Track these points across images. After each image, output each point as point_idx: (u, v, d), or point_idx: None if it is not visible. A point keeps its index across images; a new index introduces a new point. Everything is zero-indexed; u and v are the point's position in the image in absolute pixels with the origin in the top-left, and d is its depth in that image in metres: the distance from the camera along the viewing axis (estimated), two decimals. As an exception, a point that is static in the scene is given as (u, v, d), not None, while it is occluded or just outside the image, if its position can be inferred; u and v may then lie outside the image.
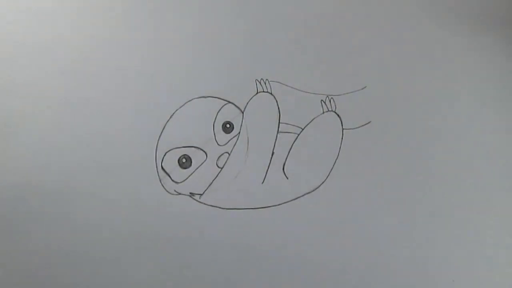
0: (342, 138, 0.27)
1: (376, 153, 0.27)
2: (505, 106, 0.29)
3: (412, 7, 0.27)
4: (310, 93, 0.27)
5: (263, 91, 0.26)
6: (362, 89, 0.28)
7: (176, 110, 0.25)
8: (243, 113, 0.26)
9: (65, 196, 0.24)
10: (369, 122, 0.27)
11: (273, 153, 0.26)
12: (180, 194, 0.25)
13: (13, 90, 0.24)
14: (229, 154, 0.25)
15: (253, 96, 0.26)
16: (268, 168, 0.26)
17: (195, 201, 0.25)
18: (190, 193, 0.25)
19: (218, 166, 0.25)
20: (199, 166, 0.25)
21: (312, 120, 0.27)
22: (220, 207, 0.25)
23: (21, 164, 0.24)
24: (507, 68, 0.30)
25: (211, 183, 0.25)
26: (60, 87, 0.25)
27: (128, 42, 0.26)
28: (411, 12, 0.27)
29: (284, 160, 0.26)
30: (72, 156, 0.24)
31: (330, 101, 0.27)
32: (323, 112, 0.27)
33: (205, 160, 0.25)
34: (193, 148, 0.25)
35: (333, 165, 0.26)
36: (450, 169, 0.27)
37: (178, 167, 0.25)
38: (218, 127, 0.26)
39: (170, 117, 0.25)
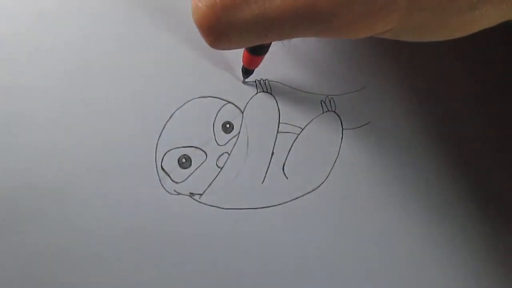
0: (342, 138, 0.27)
1: (376, 153, 0.27)
2: (506, 105, 0.29)
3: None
4: (310, 93, 0.27)
5: (263, 91, 0.27)
6: (362, 89, 0.28)
7: (176, 110, 0.25)
8: (243, 113, 0.26)
9: (65, 196, 0.24)
10: (368, 123, 0.27)
11: (273, 153, 0.26)
12: (180, 194, 0.25)
13: (13, 90, 0.24)
14: (229, 154, 0.25)
15: (253, 96, 0.26)
16: (268, 168, 0.26)
17: (195, 201, 0.25)
18: (190, 193, 0.25)
19: (218, 166, 0.25)
20: (199, 166, 0.25)
21: (312, 120, 0.27)
22: (220, 207, 0.25)
23: (20, 164, 0.24)
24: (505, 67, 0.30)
25: (211, 183, 0.25)
26: (60, 87, 0.25)
27: (128, 42, 0.26)
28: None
29: (284, 160, 0.26)
30: (71, 156, 0.24)
31: (330, 101, 0.27)
32: (323, 112, 0.27)
33: (205, 160, 0.25)
34: (193, 148, 0.25)
35: (333, 165, 0.26)
36: (451, 169, 0.27)
37: (178, 167, 0.25)
38: (218, 127, 0.26)
39: (170, 117, 0.25)
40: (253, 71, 0.25)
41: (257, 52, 0.23)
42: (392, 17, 0.17)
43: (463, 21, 0.18)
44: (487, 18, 0.19)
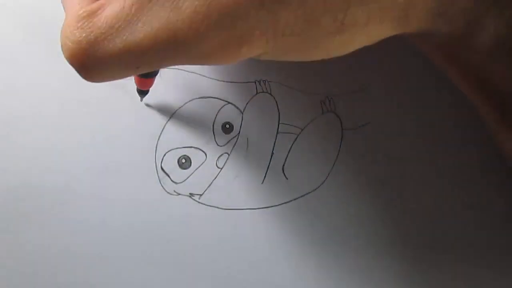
0: (341, 139, 0.27)
1: (376, 153, 0.27)
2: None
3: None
4: (310, 93, 0.27)
5: (263, 92, 0.27)
6: (362, 89, 0.28)
7: (176, 110, 0.25)
8: (242, 113, 0.26)
9: (64, 196, 0.24)
10: (368, 123, 0.27)
11: (272, 154, 0.26)
12: (179, 194, 0.25)
13: (13, 90, 0.24)
14: (228, 155, 0.26)
15: (252, 97, 0.26)
16: (267, 168, 0.26)
17: (194, 201, 0.25)
18: (190, 193, 0.25)
19: (217, 167, 0.25)
20: (198, 167, 0.25)
21: (311, 121, 0.27)
22: (219, 207, 0.25)
23: (20, 165, 0.24)
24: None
25: (211, 183, 0.25)
26: (60, 87, 0.25)
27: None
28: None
29: (283, 161, 0.26)
30: (71, 156, 0.24)
31: (329, 102, 0.27)
32: (323, 113, 0.27)
33: (204, 161, 0.25)
34: (192, 148, 0.25)
35: (333, 166, 0.26)
36: (452, 169, 0.27)
37: (178, 167, 0.25)
38: (218, 127, 0.26)
39: (170, 117, 0.25)
40: (148, 91, 0.24)
41: (145, 75, 0.22)
42: (257, 43, 0.17)
43: (334, 43, 0.18)
44: (361, 38, 0.19)
